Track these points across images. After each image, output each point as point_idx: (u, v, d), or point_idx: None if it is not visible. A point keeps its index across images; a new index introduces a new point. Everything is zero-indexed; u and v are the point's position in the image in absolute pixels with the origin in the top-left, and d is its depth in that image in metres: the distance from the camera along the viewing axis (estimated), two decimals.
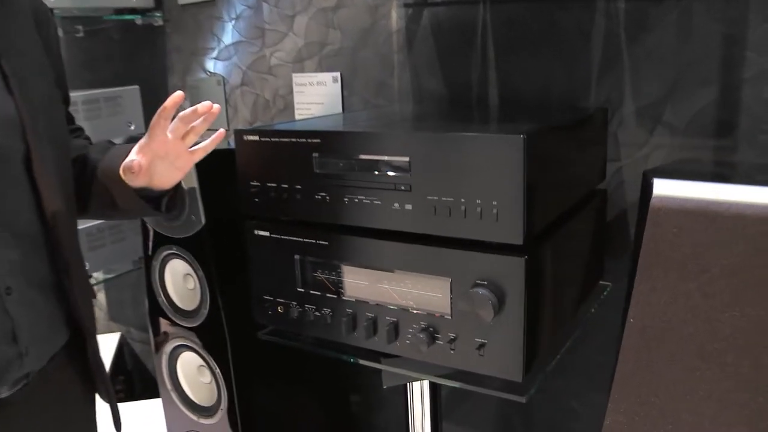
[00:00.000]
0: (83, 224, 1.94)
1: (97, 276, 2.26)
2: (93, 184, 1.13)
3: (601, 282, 1.40)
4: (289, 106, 1.85)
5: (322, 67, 1.76)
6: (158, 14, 2.11)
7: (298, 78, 1.80)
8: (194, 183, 1.35)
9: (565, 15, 1.38)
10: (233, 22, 1.93)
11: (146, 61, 2.20)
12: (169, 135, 1.05)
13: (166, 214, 1.17)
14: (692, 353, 0.86)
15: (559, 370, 1.55)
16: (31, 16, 1.06)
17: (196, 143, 1.11)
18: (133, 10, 2.10)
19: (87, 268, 1.98)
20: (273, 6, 1.82)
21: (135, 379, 2.77)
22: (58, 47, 1.16)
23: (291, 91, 1.83)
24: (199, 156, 1.11)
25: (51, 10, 1.14)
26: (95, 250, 2.05)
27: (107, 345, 2.67)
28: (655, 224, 0.84)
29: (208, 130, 1.07)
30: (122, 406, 2.35)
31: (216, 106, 1.06)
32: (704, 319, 0.84)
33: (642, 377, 0.90)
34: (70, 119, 1.23)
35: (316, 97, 1.77)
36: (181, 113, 1.05)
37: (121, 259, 2.18)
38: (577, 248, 1.20)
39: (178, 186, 1.16)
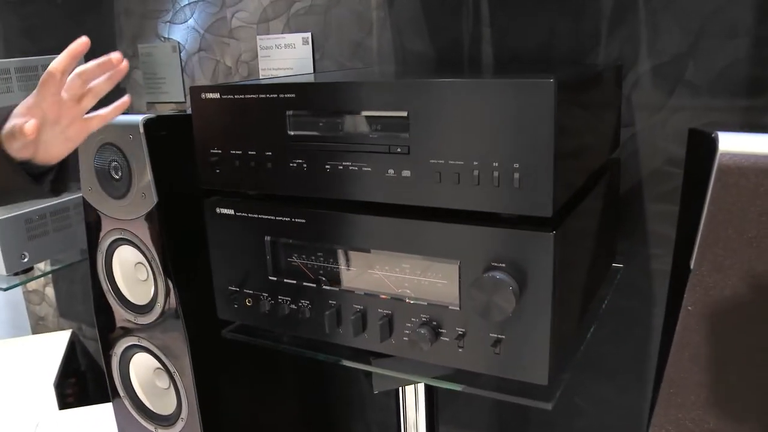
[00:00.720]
0: (21, 209, 1.72)
1: (42, 267, 2.03)
2: None
3: (613, 265, 1.24)
4: (253, 73, 1.65)
5: (290, 28, 1.56)
6: None
7: (263, 41, 1.60)
8: (144, 157, 1.15)
9: None
10: None
11: (92, 25, 1.97)
12: (64, 95, 0.86)
13: (52, 194, 0.95)
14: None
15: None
16: None
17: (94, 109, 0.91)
18: None
19: (26, 259, 1.77)
20: None
21: (89, 381, 2.55)
22: None
23: (255, 56, 1.63)
24: (95, 125, 0.92)
25: None
26: (37, 238, 1.83)
27: (57, 343, 2.45)
28: (724, 186, 0.66)
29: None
30: (73, 412, 2.14)
31: (125, 62, 0.90)
32: None
33: (701, 378, 0.73)
34: None
35: (283, 62, 1.57)
36: (80, 67, 0.87)
37: (67, 248, 1.95)
38: (595, 224, 1.02)
39: (66, 162, 0.95)
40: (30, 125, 0.82)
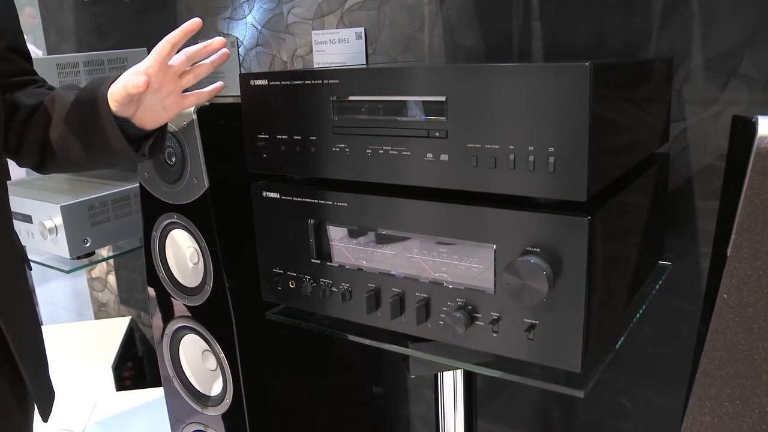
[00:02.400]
0: (85, 195, 1.79)
1: (102, 253, 2.11)
2: (58, 118, 1.00)
3: (660, 262, 1.22)
4: (308, 66, 1.68)
5: (344, 23, 1.59)
6: None
7: (317, 35, 1.63)
8: (197, 144, 1.19)
9: None
10: None
11: (156, 24, 2.04)
12: (169, 68, 0.97)
13: (149, 157, 1.03)
14: None
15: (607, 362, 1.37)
16: None
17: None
18: None
19: (88, 244, 1.84)
20: None
21: (145, 366, 2.63)
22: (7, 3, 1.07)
23: (310, 51, 1.66)
24: (190, 102, 1.02)
25: None
26: (99, 225, 1.90)
27: (117, 329, 2.54)
28: (762, 172, 0.66)
29: None
30: (129, 394, 2.21)
31: (226, 49, 1.00)
32: None
33: (738, 369, 0.72)
34: (22, 71, 1.10)
35: (337, 57, 1.60)
36: (189, 48, 0.97)
37: (127, 235, 2.02)
38: (638, 217, 1.01)
39: (164, 128, 1.03)
40: (141, 79, 0.90)
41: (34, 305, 1.03)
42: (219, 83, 1.05)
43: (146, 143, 1.01)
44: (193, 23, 0.94)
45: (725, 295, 0.70)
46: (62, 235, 1.80)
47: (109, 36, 2.22)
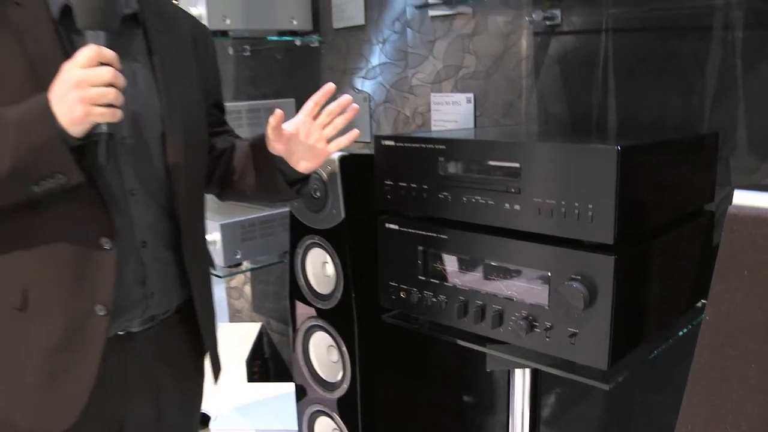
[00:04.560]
0: (240, 217, 2.22)
1: (246, 264, 2.54)
2: (239, 159, 1.39)
3: (703, 301, 1.48)
4: (426, 123, 2.05)
5: (457, 88, 1.94)
6: (315, 36, 2.38)
7: (435, 97, 1.99)
8: (338, 183, 1.57)
9: (683, 45, 1.48)
10: (380, 45, 2.15)
11: (303, 78, 2.47)
12: (314, 122, 1.30)
13: (297, 196, 1.40)
14: (765, 351, 0.95)
15: (657, 387, 1.63)
16: (190, 37, 1.35)
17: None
18: (293, 33, 2.37)
19: (239, 256, 2.26)
20: (416, 32, 2.02)
21: (270, 366, 3.06)
22: (214, 65, 1.45)
23: (429, 109, 2.02)
24: (333, 149, 1.33)
25: (211, 33, 1.46)
26: (247, 241, 2.33)
27: (249, 332, 2.97)
28: (730, 230, 0.95)
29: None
30: (258, 384, 2.63)
31: (355, 106, 1.31)
32: None
33: (717, 374, 1.00)
34: (220, 122, 1.48)
35: (451, 116, 1.96)
36: (327, 107, 1.31)
37: (268, 252, 2.44)
38: (674, 261, 1.29)
39: (308, 177, 1.39)
40: (277, 112, 1.25)
41: (214, 298, 1.44)
42: (355, 131, 1.33)
43: (296, 186, 1.37)
44: (331, 88, 1.30)
45: (707, 317, 0.99)
46: (220, 247, 2.23)
47: (263, 86, 2.67)
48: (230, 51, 2.70)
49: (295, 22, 2.32)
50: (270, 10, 2.26)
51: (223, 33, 2.20)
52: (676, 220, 1.30)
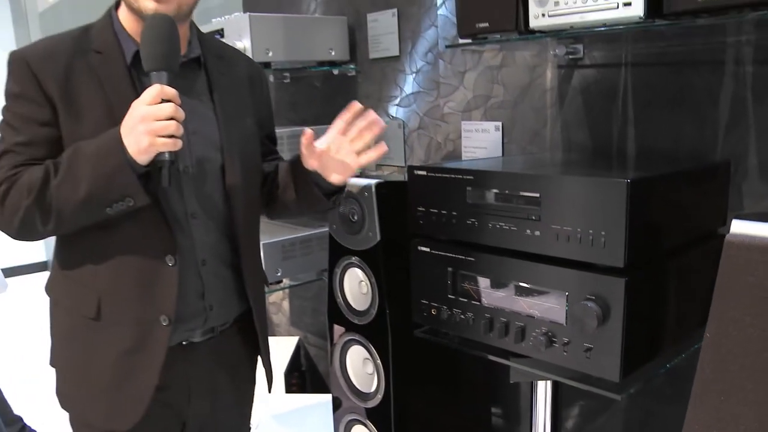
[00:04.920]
0: (281, 237, 2.36)
1: (286, 281, 2.68)
2: (281, 176, 1.52)
3: None
4: (457, 149, 2.17)
5: (486, 117, 2.06)
6: (352, 66, 2.52)
7: (466, 125, 2.11)
8: (374, 207, 1.70)
9: (696, 78, 1.59)
10: (414, 75, 2.28)
11: (341, 105, 2.59)
12: (345, 137, 1.43)
13: (331, 207, 1.53)
14: (761, 366, 1.05)
15: (676, 400, 1.71)
16: (246, 76, 1.50)
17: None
18: (332, 63, 2.51)
19: (279, 273, 2.40)
20: (448, 63, 2.15)
21: (306, 377, 3.19)
22: (268, 101, 1.60)
23: (459, 136, 2.15)
24: (363, 161, 1.44)
25: (265, 73, 1.60)
26: (288, 259, 2.47)
27: (287, 346, 3.11)
28: (727, 256, 1.05)
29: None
30: (295, 397, 2.76)
31: (382, 122, 1.45)
32: None
33: (717, 386, 1.10)
34: (272, 151, 1.63)
35: (480, 142, 2.07)
36: (356, 123, 1.44)
37: (307, 270, 2.58)
38: (686, 281, 1.39)
39: (342, 189, 1.51)
40: (307, 132, 1.40)
41: (267, 311, 1.58)
42: (384, 146, 1.45)
43: (331, 198, 1.50)
44: (356, 106, 1.43)
45: (708, 334, 1.09)
46: (262, 265, 2.36)
47: (302, 111, 2.82)
48: (271, 78, 2.85)
49: (333, 53, 2.46)
50: (309, 42, 2.40)
51: (266, 64, 2.35)
52: (687, 243, 1.40)
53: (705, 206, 1.46)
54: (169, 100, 1.18)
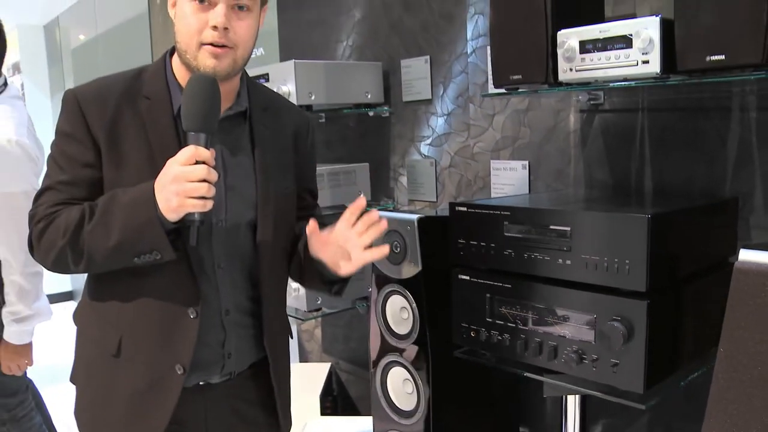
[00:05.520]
0: None
1: (324, 309, 2.84)
2: (297, 251, 1.52)
3: None
4: (486, 186, 2.35)
5: (514, 156, 2.24)
6: (386, 108, 2.71)
7: (495, 164, 2.30)
8: (416, 239, 1.88)
9: (707, 123, 1.77)
10: (445, 117, 2.48)
11: (374, 144, 2.80)
12: (352, 230, 1.37)
13: (333, 295, 1.52)
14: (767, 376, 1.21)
15: (699, 413, 1.86)
16: (292, 129, 1.50)
17: None
18: (367, 105, 2.71)
19: (319, 302, 2.56)
20: (477, 107, 2.34)
21: (339, 402, 3.34)
22: (312, 154, 1.58)
23: (489, 174, 2.33)
24: (368, 257, 1.38)
25: (312, 125, 1.60)
26: None
27: (320, 371, 3.26)
28: (737, 281, 1.22)
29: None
30: (330, 418, 2.90)
31: (384, 221, 1.37)
32: None
33: (731, 396, 1.26)
34: (310, 206, 1.60)
35: (508, 180, 2.25)
36: (363, 217, 1.37)
37: (342, 299, 2.74)
38: (702, 304, 1.56)
39: (347, 279, 1.49)
40: (311, 222, 1.36)
41: (289, 360, 1.59)
42: (385, 248, 1.39)
43: (334, 286, 1.49)
44: (362, 204, 1.35)
45: (722, 349, 1.26)
46: (303, 293, 2.54)
47: (336, 149, 3.01)
48: None
49: (369, 96, 2.66)
50: (348, 86, 2.60)
51: (308, 107, 2.55)
52: (701, 270, 1.57)
53: (716, 237, 1.63)
54: (203, 162, 1.19)
